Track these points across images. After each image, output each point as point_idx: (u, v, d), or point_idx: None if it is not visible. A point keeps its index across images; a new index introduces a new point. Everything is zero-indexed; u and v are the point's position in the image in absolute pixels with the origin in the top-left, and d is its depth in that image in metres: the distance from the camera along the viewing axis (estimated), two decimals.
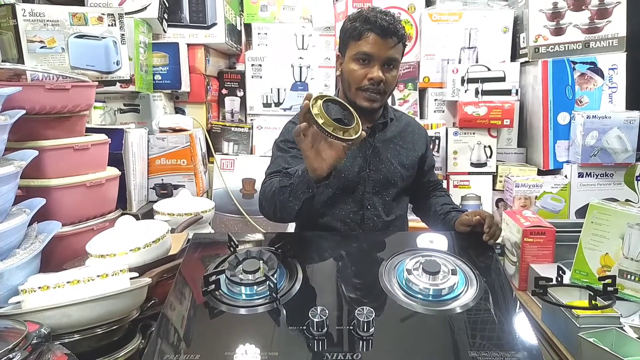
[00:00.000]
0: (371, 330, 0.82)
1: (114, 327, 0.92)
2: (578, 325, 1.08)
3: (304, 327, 0.84)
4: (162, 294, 1.02)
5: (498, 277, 0.98)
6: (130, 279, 1.00)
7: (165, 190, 1.94)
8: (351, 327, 0.84)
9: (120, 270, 0.93)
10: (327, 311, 0.83)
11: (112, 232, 1.17)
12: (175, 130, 2.00)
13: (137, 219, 1.72)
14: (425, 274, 0.93)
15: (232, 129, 2.30)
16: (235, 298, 0.93)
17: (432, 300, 0.91)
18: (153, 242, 1.11)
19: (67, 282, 0.87)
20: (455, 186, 2.19)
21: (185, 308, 0.93)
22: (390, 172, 1.31)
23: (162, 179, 1.94)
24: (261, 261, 1.00)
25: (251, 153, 2.31)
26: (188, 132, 1.96)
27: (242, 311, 0.90)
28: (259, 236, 1.21)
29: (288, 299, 0.93)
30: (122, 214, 1.59)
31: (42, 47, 1.52)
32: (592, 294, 1.14)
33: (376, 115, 1.31)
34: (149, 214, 1.72)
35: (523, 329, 0.85)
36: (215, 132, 2.32)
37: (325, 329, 0.83)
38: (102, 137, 1.44)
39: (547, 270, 1.39)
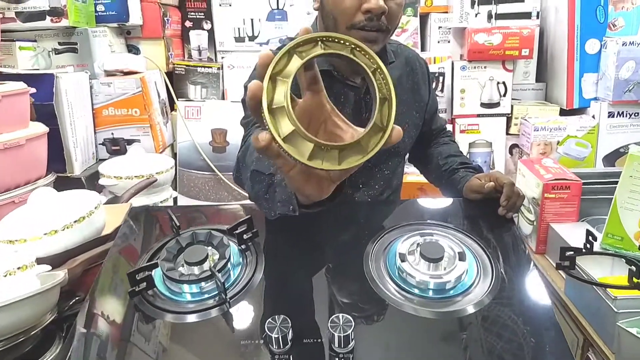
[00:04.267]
0: (350, 345, 0.64)
1: (17, 341, 0.75)
2: (615, 310, 0.92)
3: (262, 341, 0.67)
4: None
5: (519, 259, 0.80)
6: (43, 273, 0.81)
7: (117, 147, 1.73)
8: (323, 341, 0.66)
9: (19, 268, 0.74)
10: (289, 321, 0.65)
11: (25, 209, 0.97)
12: (125, 74, 1.75)
13: (81, 183, 1.53)
14: (424, 260, 0.75)
15: (198, 69, 2.06)
16: (174, 299, 0.75)
17: (433, 298, 0.72)
18: (75, 221, 0.92)
19: None
20: (462, 131, 2.00)
21: (108, 312, 0.74)
22: None
23: (112, 133, 1.72)
24: (210, 247, 0.81)
25: (222, 98, 2.08)
26: (139, 74, 1.71)
27: (180, 318, 0.72)
28: (215, 210, 1.01)
29: (244, 298, 0.74)
30: (59, 178, 1.40)
31: None
32: (635, 269, 0.97)
33: None
34: (97, 176, 1.52)
35: (558, 342, 0.67)
36: (178, 74, 2.07)
37: (289, 344, 0.65)
38: (19, 85, 1.21)
39: (570, 231, 1.24)
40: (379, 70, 0.49)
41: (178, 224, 0.85)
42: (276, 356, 0.65)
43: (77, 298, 0.90)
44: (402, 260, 0.76)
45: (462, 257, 0.75)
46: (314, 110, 0.53)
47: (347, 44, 0.48)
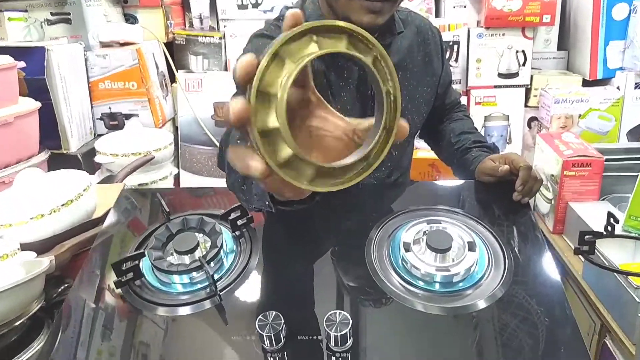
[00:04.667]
0: (348, 343, 0.60)
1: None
2: (637, 300, 0.88)
3: (254, 337, 0.63)
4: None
5: (535, 249, 0.74)
6: (27, 261, 0.78)
7: (115, 121, 1.68)
8: (320, 338, 0.62)
9: (0, 257, 0.71)
10: (282, 318, 0.61)
11: (11, 192, 0.94)
12: (122, 45, 1.69)
13: (77, 160, 1.50)
14: (430, 250, 0.70)
15: (199, 39, 1.99)
16: (163, 290, 0.72)
17: (439, 292, 0.68)
18: (63, 205, 0.88)
19: None
20: (477, 103, 1.92)
21: (93, 303, 0.71)
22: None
23: (110, 108, 1.67)
24: (202, 234, 0.77)
25: (225, 69, 2.01)
26: (136, 46, 1.65)
27: (168, 311, 0.68)
28: (210, 191, 0.97)
29: (237, 289, 0.71)
30: (53, 156, 1.37)
31: None
32: None
33: (378, 33, 0.91)
34: (94, 153, 1.48)
35: (575, 341, 0.62)
36: (179, 45, 2.00)
37: (282, 342, 0.61)
38: (5, 59, 1.16)
39: (591, 210, 1.19)
40: (381, 59, 0.41)
41: (168, 210, 0.81)
42: (268, 354, 0.62)
43: (66, 285, 0.87)
44: (407, 250, 0.71)
45: (471, 247, 0.71)
46: (296, 106, 0.44)
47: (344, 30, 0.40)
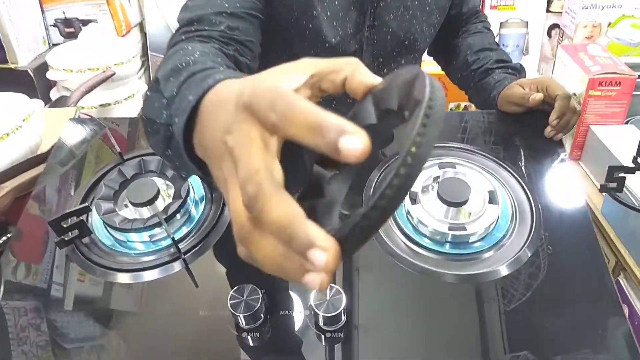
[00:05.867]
0: (341, 322, 0.51)
1: None
2: None
3: (226, 313, 0.54)
4: None
5: (570, 199, 0.64)
6: None
7: (72, 28, 1.49)
8: (307, 314, 0.53)
9: None
10: (259, 292, 0.51)
11: None
12: None
13: (27, 76, 1.33)
14: (442, 203, 0.59)
15: None
16: (118, 250, 0.61)
17: (451, 254, 0.58)
18: None
19: None
20: (492, 7, 1.73)
21: (33, 262, 0.61)
22: (405, 26, 0.80)
23: (64, 12, 1.47)
24: (163, 179, 0.65)
25: None
26: None
27: (120, 277, 0.58)
28: None
29: (208, 249, 0.60)
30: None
31: None
32: None
33: None
34: (47, 68, 1.31)
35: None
36: None
37: (261, 319, 0.52)
38: None
39: (614, 135, 1.08)
40: None
41: (119, 150, 0.68)
42: (244, 333, 0.52)
43: (9, 235, 0.77)
44: (413, 201, 0.60)
45: (492, 198, 0.60)
46: None
47: None
